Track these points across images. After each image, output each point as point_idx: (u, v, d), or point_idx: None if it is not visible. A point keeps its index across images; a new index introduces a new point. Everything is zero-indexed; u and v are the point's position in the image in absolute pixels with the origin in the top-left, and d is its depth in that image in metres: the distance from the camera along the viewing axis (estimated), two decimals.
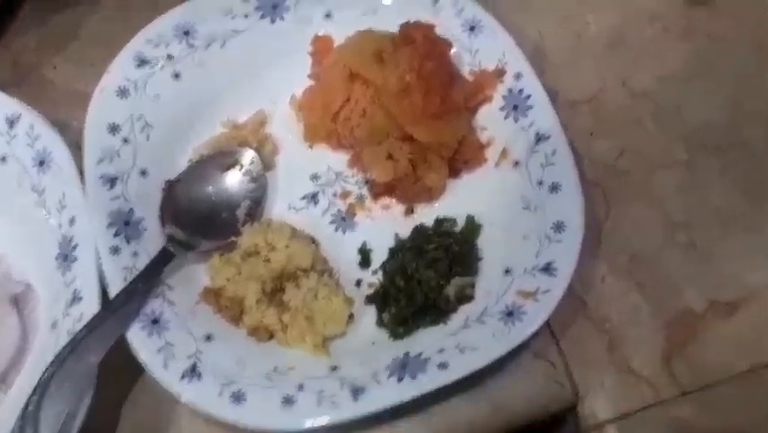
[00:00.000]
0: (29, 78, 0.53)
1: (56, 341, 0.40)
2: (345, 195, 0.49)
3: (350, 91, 0.48)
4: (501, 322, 0.41)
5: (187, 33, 0.49)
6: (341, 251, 0.47)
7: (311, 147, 0.50)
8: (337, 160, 0.50)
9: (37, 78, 0.53)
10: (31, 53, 0.54)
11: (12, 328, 0.41)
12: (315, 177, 0.49)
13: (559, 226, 0.43)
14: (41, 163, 0.44)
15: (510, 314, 0.41)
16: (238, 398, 0.39)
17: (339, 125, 0.49)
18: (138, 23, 0.54)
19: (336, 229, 0.48)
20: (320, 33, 0.51)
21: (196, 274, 0.44)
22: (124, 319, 0.39)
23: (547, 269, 0.42)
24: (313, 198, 0.49)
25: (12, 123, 0.45)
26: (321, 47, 0.51)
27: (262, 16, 0.50)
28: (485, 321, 0.41)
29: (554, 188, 0.45)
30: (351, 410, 0.39)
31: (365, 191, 0.49)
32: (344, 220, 0.48)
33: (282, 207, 0.48)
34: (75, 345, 0.37)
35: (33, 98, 0.52)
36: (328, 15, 0.51)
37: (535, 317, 0.41)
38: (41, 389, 0.36)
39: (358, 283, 0.46)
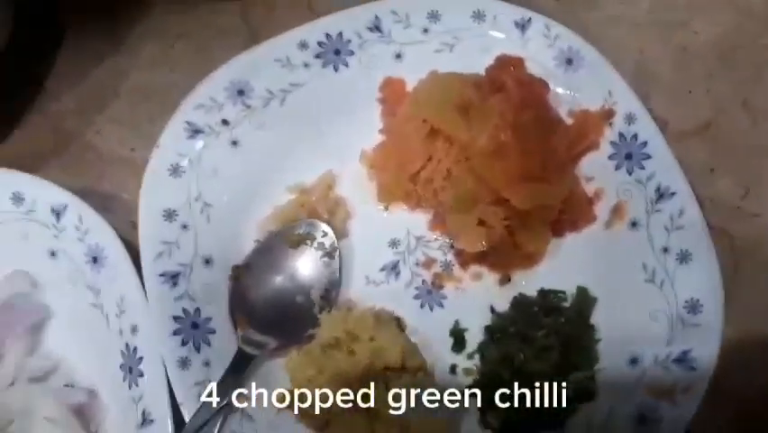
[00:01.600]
0: (70, 145, 0.48)
1: None
2: (429, 263, 0.43)
3: (431, 149, 0.42)
4: (632, 431, 0.35)
5: (241, 93, 0.43)
6: (430, 332, 0.42)
7: (386, 209, 0.45)
8: (417, 222, 0.44)
9: (79, 146, 0.48)
10: (70, 117, 0.49)
11: None
12: (393, 243, 0.44)
13: (693, 306, 0.37)
14: (95, 260, 0.39)
15: (642, 419, 0.35)
16: None
17: (419, 187, 0.43)
18: (182, 72, 0.50)
19: (422, 305, 0.42)
20: (390, 76, 0.45)
21: (273, 376, 0.40)
22: None
23: (684, 359, 0.36)
24: (393, 268, 0.43)
25: (58, 214, 0.40)
26: (392, 93, 0.45)
27: (324, 64, 0.44)
28: (611, 429, 0.35)
29: (684, 257, 0.38)
30: None
31: (451, 258, 0.43)
32: (431, 294, 0.43)
33: (360, 281, 0.43)
34: None
35: (77, 169, 0.49)
36: (398, 56, 0.45)
37: (675, 423, 0.34)
38: None
39: (452, 370, 0.41)
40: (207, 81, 0.43)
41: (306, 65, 0.44)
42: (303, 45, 0.44)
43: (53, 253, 0.41)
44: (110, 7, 0.52)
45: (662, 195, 0.40)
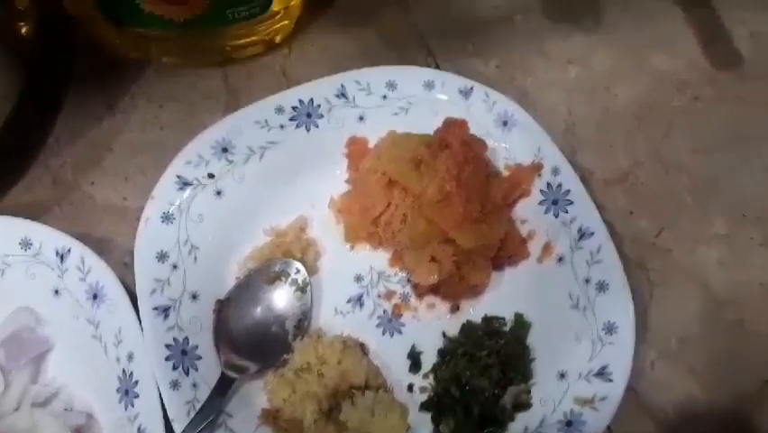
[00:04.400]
0: (69, 195, 0.53)
1: None
2: (390, 295, 0.49)
3: (389, 197, 0.49)
4: None
5: (225, 150, 0.49)
6: (390, 355, 0.47)
7: (352, 248, 0.51)
8: (379, 259, 0.51)
9: (77, 196, 0.53)
10: (68, 170, 0.54)
11: None
12: (358, 278, 0.50)
13: (610, 328, 0.44)
14: (95, 297, 0.44)
15: (569, 424, 0.41)
16: None
17: (380, 229, 0.49)
18: (171, 130, 0.56)
19: (384, 332, 0.48)
20: (354, 135, 0.52)
21: (253, 396, 0.45)
22: None
23: (602, 373, 0.42)
24: (358, 300, 0.49)
25: (62, 256, 0.45)
26: (356, 149, 0.51)
27: (298, 126, 0.51)
28: (545, 432, 0.41)
29: (602, 287, 0.45)
30: None
31: (408, 290, 0.50)
32: (391, 321, 0.49)
33: (329, 311, 0.49)
34: None
35: (75, 216, 0.54)
36: (361, 118, 0.51)
37: (595, 426, 0.41)
38: None
39: (410, 388, 0.47)
40: (196, 140, 0.49)
41: (281, 126, 0.51)
42: (279, 109, 0.51)
43: (57, 292, 0.46)
44: (104, 73, 0.58)
45: (583, 234, 0.47)
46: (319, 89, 0.52)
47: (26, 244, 0.46)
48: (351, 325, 0.48)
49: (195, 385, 0.42)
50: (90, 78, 0.58)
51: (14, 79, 0.52)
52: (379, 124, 0.51)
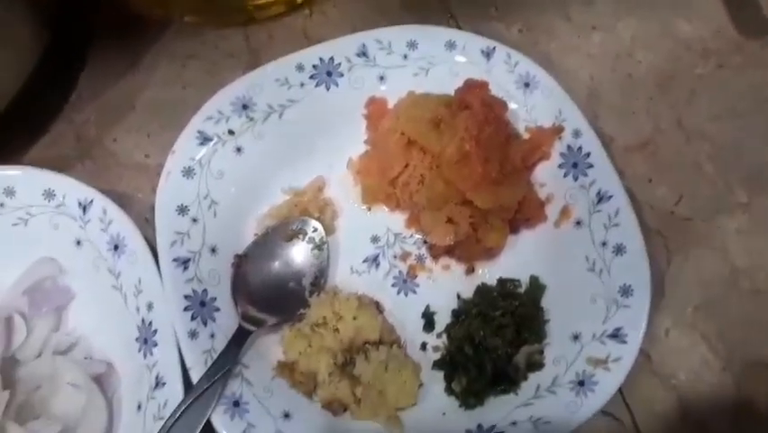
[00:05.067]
0: (91, 151, 0.54)
1: (143, 425, 0.41)
2: (405, 256, 0.50)
3: (407, 158, 0.49)
4: (573, 392, 0.41)
5: (245, 107, 0.50)
6: (404, 314, 0.48)
7: (369, 209, 0.51)
8: (395, 220, 0.51)
9: (99, 151, 0.54)
10: (91, 126, 0.55)
11: (100, 410, 0.43)
12: (374, 239, 0.50)
13: (626, 290, 0.44)
14: (116, 248, 0.45)
15: (582, 383, 0.42)
16: None
17: (397, 190, 0.50)
18: (192, 89, 0.56)
19: (399, 292, 0.49)
20: (374, 96, 0.52)
21: (269, 348, 0.46)
22: (208, 403, 0.41)
23: (617, 335, 0.43)
24: (374, 260, 0.50)
25: (85, 208, 0.46)
26: (375, 110, 0.51)
27: (317, 84, 0.51)
28: (556, 391, 0.42)
29: (619, 250, 0.45)
30: None
31: (424, 251, 0.50)
32: (406, 282, 0.49)
33: (345, 270, 0.49)
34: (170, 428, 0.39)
35: (97, 172, 0.55)
36: (381, 78, 0.51)
37: (608, 386, 0.41)
38: None
39: (423, 346, 0.47)
40: (217, 96, 0.49)
41: (301, 84, 0.51)
42: (300, 67, 0.51)
43: (79, 242, 0.46)
44: (128, 32, 0.59)
45: (601, 198, 0.46)
46: (340, 48, 0.51)
47: (50, 195, 0.47)
48: (366, 284, 0.49)
49: (212, 336, 0.43)
50: (113, 36, 0.59)
51: (39, 35, 0.53)
52: (399, 83, 0.51)
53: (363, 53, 0.51)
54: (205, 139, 0.48)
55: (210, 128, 0.49)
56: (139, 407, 0.42)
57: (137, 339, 0.44)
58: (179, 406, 0.40)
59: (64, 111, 0.56)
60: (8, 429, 0.41)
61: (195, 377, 0.42)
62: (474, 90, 0.48)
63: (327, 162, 0.52)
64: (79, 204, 0.46)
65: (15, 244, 0.47)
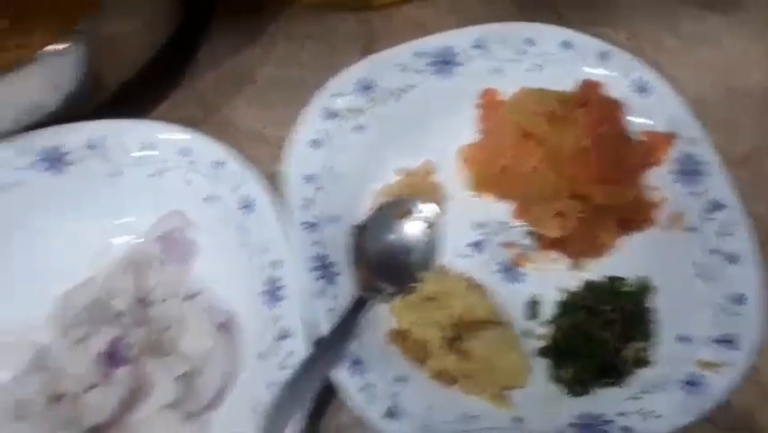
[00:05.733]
0: (213, 116, 0.57)
1: (265, 371, 0.44)
2: (510, 246, 0.52)
3: (521, 149, 0.51)
4: (683, 391, 0.43)
5: (367, 88, 0.52)
6: (506, 301, 0.49)
7: (476, 196, 0.53)
8: (501, 210, 0.53)
9: (220, 118, 0.57)
10: (211, 95, 0.58)
11: (224, 354, 0.46)
12: (479, 225, 0.52)
13: (738, 299, 0.45)
14: (246, 207, 0.48)
15: (692, 384, 0.43)
16: None
17: (507, 180, 0.52)
18: (311, 69, 0.59)
19: (502, 279, 0.50)
20: (489, 87, 0.54)
21: (381, 317, 0.48)
22: (331, 359, 0.43)
23: (729, 341, 0.44)
24: (478, 246, 0.52)
25: (218, 167, 0.49)
26: (490, 101, 0.54)
27: (435, 72, 0.53)
28: (666, 388, 0.43)
29: (732, 258, 0.46)
30: None
31: (530, 242, 0.52)
32: (510, 270, 0.51)
33: (449, 253, 0.51)
34: (294, 381, 0.41)
35: (218, 136, 0.56)
36: (497, 71, 0.54)
37: (718, 390, 0.42)
38: (266, 421, 0.41)
39: (525, 334, 0.49)
40: (341, 75, 0.52)
41: (419, 71, 0.53)
42: (419, 54, 0.53)
43: (209, 199, 0.49)
44: (248, 8, 0.62)
45: (714, 206, 0.47)
46: (458, 38, 0.54)
47: (186, 153, 0.49)
48: (469, 267, 0.51)
49: (335, 297, 0.46)
50: (236, 12, 0.62)
51: (176, 9, 0.56)
52: (514, 78, 0.53)
53: (481, 46, 0.54)
54: (329, 114, 0.51)
55: (334, 105, 0.51)
56: (261, 355, 0.45)
57: (261, 293, 0.46)
58: (308, 358, 0.43)
59: (186, 78, 0.59)
60: (146, 363, 0.44)
61: (318, 333, 0.44)
62: (592, 88, 0.50)
63: (438, 147, 0.54)
64: (213, 163, 0.49)
65: (151, 193, 0.50)
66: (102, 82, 0.51)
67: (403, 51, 0.54)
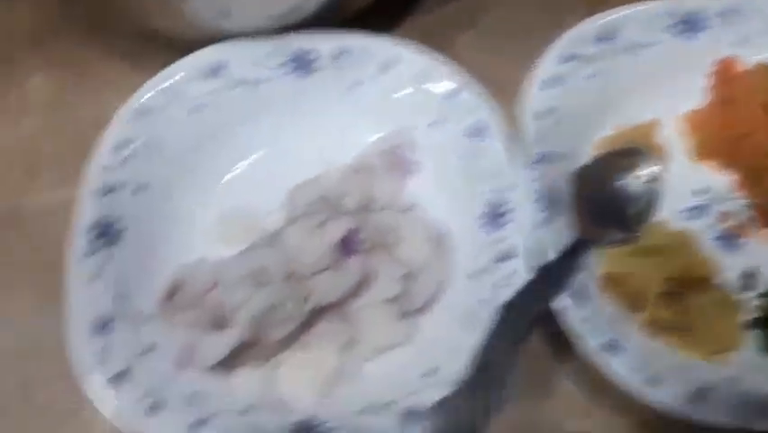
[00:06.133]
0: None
1: (478, 289, 0.45)
2: (728, 216, 0.50)
3: (754, 121, 0.50)
4: None
5: (607, 39, 0.52)
6: (720, 269, 0.48)
7: (697, 162, 0.52)
8: (723, 180, 0.52)
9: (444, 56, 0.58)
10: (435, 31, 0.59)
11: (438, 267, 0.48)
12: (699, 192, 0.51)
13: None
14: (474, 134, 0.49)
15: None
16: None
17: (735, 150, 0.51)
18: (532, 26, 0.58)
19: (718, 246, 0.49)
20: (728, 55, 0.53)
21: (596, 262, 0.48)
22: (553, 287, 0.43)
23: None
24: (695, 211, 0.51)
25: (451, 94, 0.50)
26: (727, 69, 0.53)
27: (678, 33, 0.53)
28: None
29: None
30: None
31: (750, 216, 0.50)
32: (726, 239, 0.50)
33: (665, 213, 0.51)
34: (518, 299, 0.42)
35: None
36: (742, 40, 0.53)
37: None
38: (491, 336, 0.41)
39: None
40: (583, 24, 0.52)
41: (664, 29, 0.53)
42: (667, 13, 0.53)
43: (435, 123, 0.51)
44: None
45: None
46: (707, 3, 0.53)
47: (421, 76, 0.51)
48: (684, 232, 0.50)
49: (558, 232, 0.46)
50: None
51: None
52: (760, 49, 0.52)
53: (730, 11, 0.53)
54: (566, 59, 0.52)
55: (571, 51, 0.52)
56: (474, 274, 0.46)
57: (479, 216, 0.48)
58: (531, 279, 0.43)
59: (412, 16, 0.61)
60: (374, 258, 0.47)
61: (539, 262, 0.45)
62: None
63: (663, 108, 0.53)
64: (449, 89, 0.51)
65: (381, 110, 0.52)
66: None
67: (643, 10, 0.53)
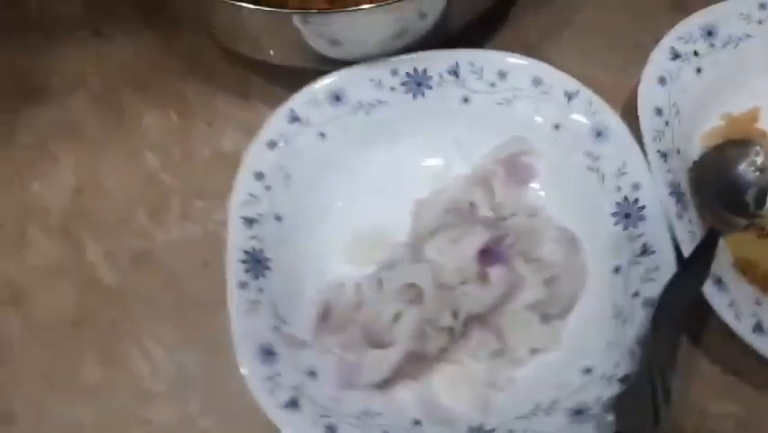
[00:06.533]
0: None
1: (624, 284, 0.47)
2: None
3: None
4: None
5: (710, 34, 0.55)
6: None
7: None
8: None
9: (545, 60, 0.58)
10: (532, 35, 0.62)
11: (575, 267, 0.50)
12: None
13: None
14: (598, 134, 0.51)
15: None
16: None
17: None
18: (620, 26, 0.61)
19: None
20: None
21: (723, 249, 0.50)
22: (697, 276, 0.45)
23: None
24: None
25: (570, 96, 0.53)
26: None
27: None
28: None
29: None
30: None
31: None
32: None
33: None
34: (670, 294, 0.44)
35: None
36: None
37: None
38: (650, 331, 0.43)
39: None
40: (688, 20, 0.55)
41: (762, 21, 0.55)
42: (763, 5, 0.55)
43: (557, 126, 0.53)
44: None
45: None
46: None
47: (537, 83, 0.53)
48: None
49: (690, 222, 0.48)
50: None
51: None
52: None
53: None
54: (675, 56, 0.54)
55: (679, 47, 0.54)
56: (619, 270, 0.48)
57: (614, 214, 0.50)
58: (679, 272, 0.46)
59: (509, 19, 0.63)
60: (517, 264, 0.48)
61: (680, 252, 0.47)
62: None
63: (764, 96, 0.56)
64: (565, 93, 0.53)
65: (496, 120, 0.54)
66: (452, 17, 0.56)
67: (743, 2, 0.56)
